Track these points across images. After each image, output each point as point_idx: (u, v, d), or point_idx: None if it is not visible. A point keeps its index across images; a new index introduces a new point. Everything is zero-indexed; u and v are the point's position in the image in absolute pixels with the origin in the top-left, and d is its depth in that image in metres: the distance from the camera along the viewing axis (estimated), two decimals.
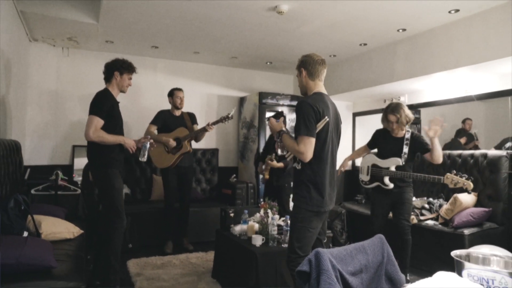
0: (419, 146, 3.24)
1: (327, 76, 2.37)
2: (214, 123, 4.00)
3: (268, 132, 5.07)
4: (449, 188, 3.97)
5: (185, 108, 4.32)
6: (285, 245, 2.76)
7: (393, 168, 3.24)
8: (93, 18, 3.88)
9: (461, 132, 4.59)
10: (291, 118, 5.22)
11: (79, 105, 4.88)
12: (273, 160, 3.94)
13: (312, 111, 2.14)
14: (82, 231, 2.90)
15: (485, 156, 3.79)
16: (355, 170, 5.39)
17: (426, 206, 3.90)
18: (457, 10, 3.45)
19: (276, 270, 2.70)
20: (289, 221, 2.84)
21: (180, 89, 4.25)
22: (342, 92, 5.24)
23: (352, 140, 6.10)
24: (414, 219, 3.73)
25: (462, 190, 2.96)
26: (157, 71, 5.45)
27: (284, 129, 2.42)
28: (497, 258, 1.55)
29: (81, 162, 4.73)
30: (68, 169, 4.72)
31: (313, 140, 2.15)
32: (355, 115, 6.06)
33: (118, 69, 2.93)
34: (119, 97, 3.00)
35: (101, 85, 2.98)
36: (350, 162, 3.70)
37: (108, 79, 2.96)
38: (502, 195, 3.60)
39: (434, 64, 3.90)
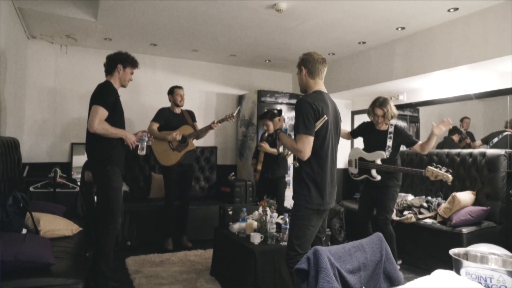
0: (404, 139, 3.37)
1: (326, 74, 2.37)
2: (220, 121, 4.03)
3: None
4: (447, 187, 4.03)
5: (184, 106, 4.31)
6: (284, 243, 2.76)
7: (378, 161, 3.37)
8: (91, 15, 3.86)
9: (453, 130, 4.64)
10: (289, 116, 5.22)
11: (78, 102, 4.87)
12: (265, 143, 3.97)
13: (311, 110, 2.15)
14: (80, 229, 2.89)
15: (483, 155, 3.80)
16: None
17: (425, 204, 3.91)
18: (456, 9, 3.45)
19: (274, 268, 2.71)
20: (287, 219, 2.85)
21: (180, 87, 4.25)
22: (341, 90, 5.24)
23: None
24: (412, 218, 3.75)
25: (443, 182, 3.13)
26: (156, 68, 5.44)
27: (282, 127, 2.44)
28: (495, 257, 1.55)
29: (79, 160, 4.73)
30: (66, 167, 4.71)
31: (311, 139, 2.15)
32: (353, 113, 6.06)
33: (122, 62, 2.85)
34: (119, 91, 2.93)
35: (100, 82, 2.92)
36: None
37: (110, 71, 2.87)
38: (500, 194, 3.61)
39: (433, 62, 3.90)
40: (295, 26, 3.98)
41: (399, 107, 5.05)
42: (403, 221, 3.76)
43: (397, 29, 4.01)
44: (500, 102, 4.08)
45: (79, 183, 4.21)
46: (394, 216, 3.85)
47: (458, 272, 1.44)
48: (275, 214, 3.03)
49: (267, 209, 3.13)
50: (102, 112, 2.65)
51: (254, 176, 4.35)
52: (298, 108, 2.19)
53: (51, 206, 3.18)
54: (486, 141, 4.32)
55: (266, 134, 4.21)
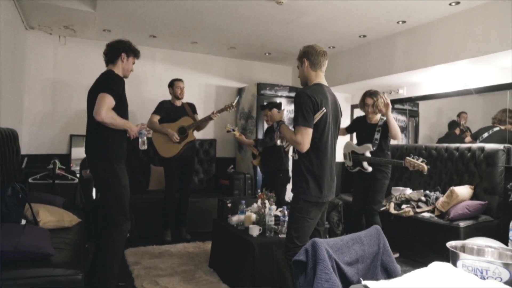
0: (387, 132, 3.49)
1: (326, 68, 2.38)
2: (219, 111, 4.06)
3: (265, 125, 5.06)
4: (445, 181, 4.05)
5: (184, 99, 4.31)
6: (282, 235, 2.78)
7: (368, 154, 3.49)
8: (90, 6, 3.83)
9: (453, 124, 4.66)
10: (289, 109, 5.21)
11: (77, 94, 4.85)
12: (235, 131, 4.14)
13: (310, 102, 2.15)
14: (79, 220, 2.90)
15: (482, 149, 3.81)
16: None
17: (423, 198, 3.93)
18: (457, 3, 3.43)
19: (272, 260, 2.73)
20: (286, 212, 2.86)
21: (180, 80, 4.24)
22: (341, 84, 5.22)
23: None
24: (410, 211, 3.76)
25: (441, 177, 3.31)
26: (156, 61, 5.41)
27: (283, 119, 2.45)
28: (492, 249, 1.56)
29: (78, 152, 4.73)
30: (65, 159, 4.71)
31: (310, 131, 2.16)
32: (353, 107, 6.05)
33: (125, 50, 2.66)
34: None
35: (99, 74, 2.73)
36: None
37: (113, 60, 2.66)
38: (498, 188, 3.62)
39: (434, 56, 3.89)
40: (296, 18, 3.95)
41: (398, 101, 5.06)
42: (401, 215, 3.78)
43: (398, 22, 3.99)
44: (500, 97, 4.08)
45: (78, 175, 4.21)
46: (392, 210, 3.88)
47: (454, 264, 1.45)
48: (274, 207, 3.04)
49: (266, 201, 3.15)
50: (110, 101, 2.43)
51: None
52: (297, 101, 2.20)
53: (50, 198, 3.19)
54: (475, 136, 4.34)
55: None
